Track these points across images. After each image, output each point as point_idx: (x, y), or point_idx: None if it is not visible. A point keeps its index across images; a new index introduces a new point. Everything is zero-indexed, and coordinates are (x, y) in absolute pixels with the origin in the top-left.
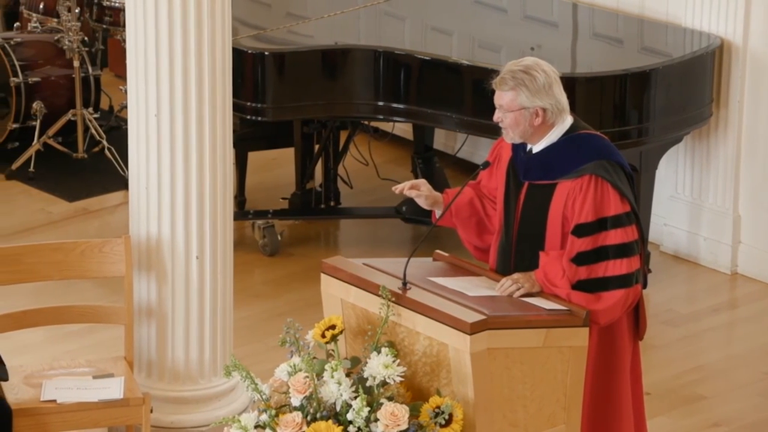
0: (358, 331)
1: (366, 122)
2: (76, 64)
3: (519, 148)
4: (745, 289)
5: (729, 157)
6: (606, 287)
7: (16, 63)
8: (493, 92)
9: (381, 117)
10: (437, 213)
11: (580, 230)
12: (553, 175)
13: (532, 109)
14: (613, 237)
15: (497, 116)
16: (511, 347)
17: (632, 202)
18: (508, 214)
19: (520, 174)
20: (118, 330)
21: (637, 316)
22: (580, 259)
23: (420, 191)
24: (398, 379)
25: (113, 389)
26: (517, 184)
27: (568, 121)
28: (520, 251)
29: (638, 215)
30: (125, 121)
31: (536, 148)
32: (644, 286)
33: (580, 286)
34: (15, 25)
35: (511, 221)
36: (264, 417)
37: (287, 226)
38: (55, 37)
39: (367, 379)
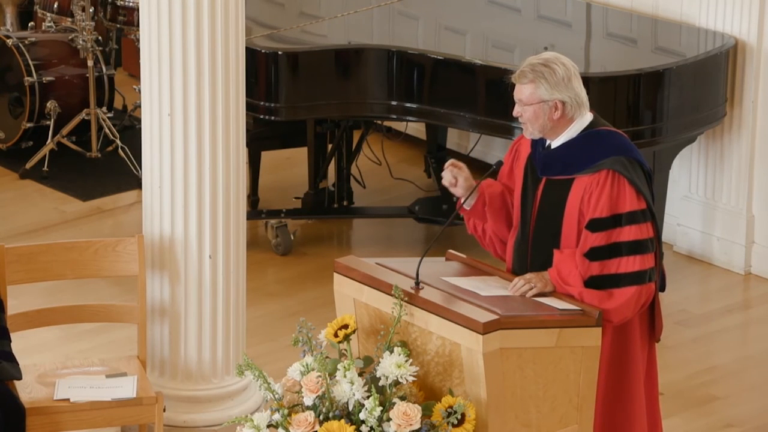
0: (371, 331)
1: (379, 122)
2: (90, 63)
3: (538, 144)
4: (758, 290)
5: (743, 157)
6: (618, 284)
7: (31, 62)
8: (512, 88)
9: (394, 116)
10: (465, 205)
11: (595, 225)
12: (571, 171)
13: (551, 102)
14: (627, 233)
15: (517, 111)
16: (523, 347)
17: (649, 199)
18: (525, 210)
19: (538, 169)
20: (131, 329)
21: (652, 316)
22: (593, 254)
23: (461, 170)
24: (411, 378)
25: (126, 388)
26: (535, 180)
27: (587, 117)
28: (536, 248)
29: (654, 213)
30: (139, 120)
31: (555, 143)
32: (662, 288)
33: (592, 281)
34: (29, 24)
35: (528, 217)
36: (276, 416)
37: (300, 226)
38: (69, 37)
39: (379, 378)
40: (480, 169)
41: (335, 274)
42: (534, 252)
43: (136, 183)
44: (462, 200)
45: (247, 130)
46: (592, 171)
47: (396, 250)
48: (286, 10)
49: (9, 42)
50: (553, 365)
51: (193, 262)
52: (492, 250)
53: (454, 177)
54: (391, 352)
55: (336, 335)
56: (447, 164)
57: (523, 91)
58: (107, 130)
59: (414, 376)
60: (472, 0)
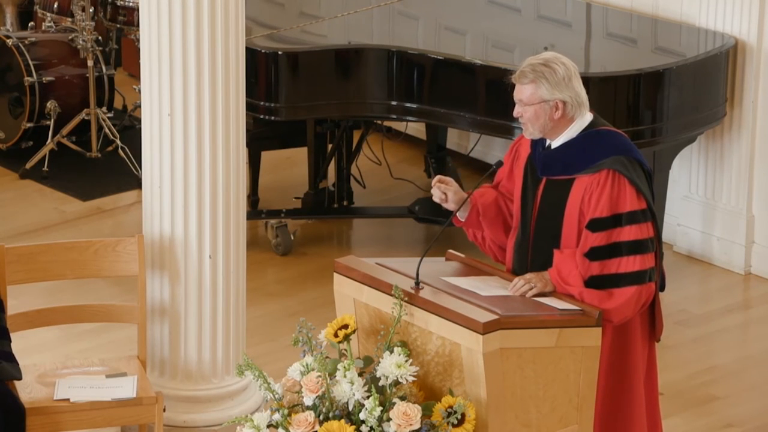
0: (371, 331)
1: (379, 122)
2: (90, 63)
3: (537, 145)
4: (758, 290)
5: (743, 157)
6: (618, 284)
7: (31, 62)
8: (512, 88)
9: (394, 116)
10: (459, 216)
11: (595, 225)
12: (571, 171)
13: (552, 102)
14: (628, 233)
15: (517, 111)
16: (523, 347)
17: (649, 199)
18: (525, 210)
19: (538, 170)
20: (131, 329)
21: (652, 317)
22: (594, 254)
23: (449, 185)
24: (411, 378)
25: (126, 388)
26: (535, 180)
27: (587, 117)
28: (536, 248)
29: (654, 213)
30: (139, 120)
31: (555, 143)
32: (662, 288)
33: (592, 281)
34: (29, 24)
35: (528, 218)
36: (276, 416)
37: (300, 226)
38: (69, 37)
39: (379, 378)
40: (480, 169)
41: (335, 274)
42: (534, 252)
43: (136, 183)
44: (455, 213)
45: (247, 130)
46: (593, 171)
47: (396, 250)
48: (286, 10)
49: (9, 42)
50: (553, 365)
51: (193, 262)
52: (492, 256)
53: (443, 193)
54: (391, 352)
55: (336, 335)
56: (434, 181)
57: (523, 92)
58: (107, 130)
59: (414, 376)
60: (472, 0)
